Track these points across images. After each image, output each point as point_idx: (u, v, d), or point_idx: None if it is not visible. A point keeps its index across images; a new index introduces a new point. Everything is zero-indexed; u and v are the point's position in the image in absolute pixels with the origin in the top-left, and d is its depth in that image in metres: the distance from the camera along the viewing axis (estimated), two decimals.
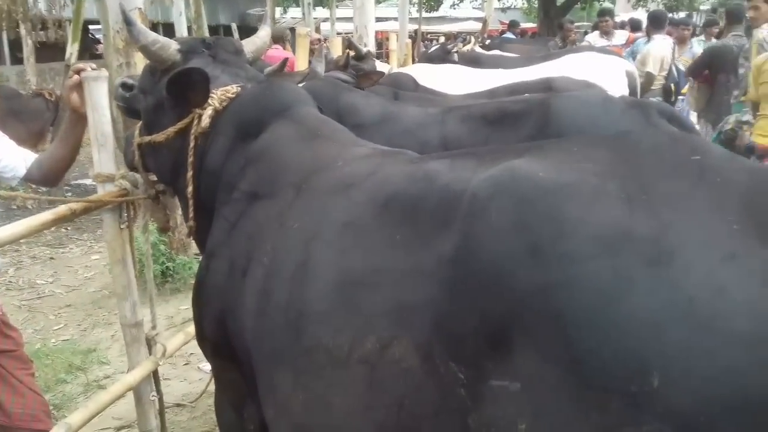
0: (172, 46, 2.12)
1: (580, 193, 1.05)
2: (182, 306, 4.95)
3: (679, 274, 0.93)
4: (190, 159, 2.02)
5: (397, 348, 1.21)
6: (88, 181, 8.43)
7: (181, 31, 12.12)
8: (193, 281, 5.61)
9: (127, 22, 2.13)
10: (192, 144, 2.01)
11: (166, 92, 1.99)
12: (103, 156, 2.28)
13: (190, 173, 2.03)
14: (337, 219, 1.44)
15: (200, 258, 6.34)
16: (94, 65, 2.30)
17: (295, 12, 22.97)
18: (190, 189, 2.05)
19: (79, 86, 2.24)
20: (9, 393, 2.31)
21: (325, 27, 18.29)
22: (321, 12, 23.12)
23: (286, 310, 1.45)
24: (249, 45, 2.36)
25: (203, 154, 2.01)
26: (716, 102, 6.43)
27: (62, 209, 2.11)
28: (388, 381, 1.23)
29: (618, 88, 4.32)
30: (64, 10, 10.80)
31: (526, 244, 1.04)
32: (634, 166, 1.09)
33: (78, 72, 2.23)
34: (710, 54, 6.55)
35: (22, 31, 11.34)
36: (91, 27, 17.59)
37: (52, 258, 6.20)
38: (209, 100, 2.00)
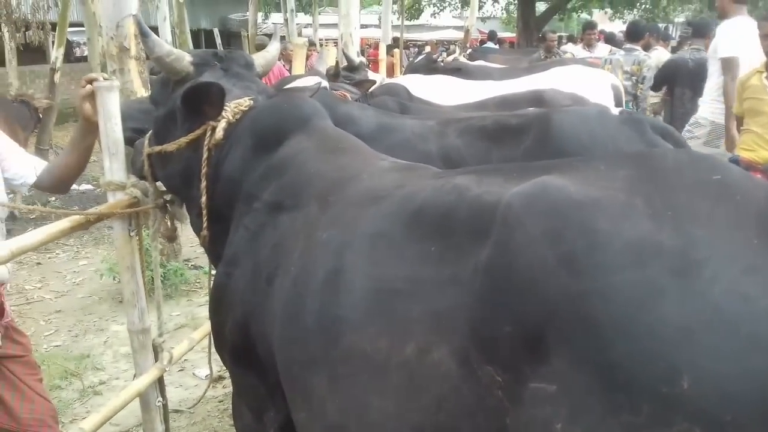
0: (186, 59, 2.16)
1: (610, 207, 1.12)
2: (174, 312, 4.96)
3: (705, 284, 1.00)
4: (204, 169, 2.06)
5: (435, 353, 1.27)
6: (83, 187, 8.39)
7: (165, 35, 12.11)
8: (184, 287, 5.61)
9: (143, 33, 2.17)
10: (206, 155, 2.06)
11: (182, 104, 2.03)
12: (114, 165, 2.31)
13: (204, 183, 2.07)
14: (367, 230, 1.50)
15: (193, 263, 6.31)
16: (105, 75, 2.33)
17: (276, 17, 22.96)
18: (203, 199, 2.08)
19: (90, 96, 2.27)
20: (18, 398, 2.33)
21: (307, 33, 18.31)
22: (303, 18, 23.14)
23: (319, 317, 1.50)
24: (259, 59, 2.41)
25: (217, 165, 2.06)
26: (674, 115, 6.68)
27: (78, 217, 2.13)
28: (426, 384, 1.28)
29: (604, 101, 4.44)
30: (48, 13, 10.71)
31: (561, 254, 1.11)
32: (659, 184, 1.16)
33: (90, 81, 2.26)
34: (666, 67, 6.84)
35: (5, 33, 11.21)
36: (69, 30, 17.40)
37: (39, 263, 6.16)
38: (223, 113, 2.05)
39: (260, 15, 20.50)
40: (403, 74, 7.71)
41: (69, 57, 16.55)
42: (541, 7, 19.11)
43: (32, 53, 12.87)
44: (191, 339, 2.91)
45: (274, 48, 2.49)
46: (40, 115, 7.60)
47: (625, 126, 2.69)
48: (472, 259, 1.26)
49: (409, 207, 1.46)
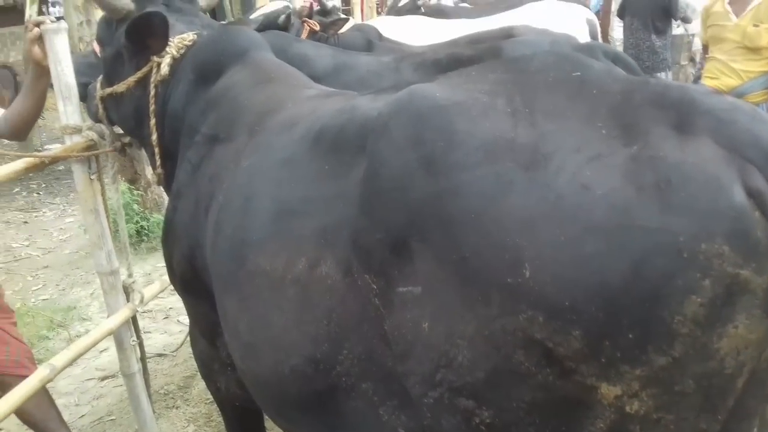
0: None
1: (470, 109, 1.15)
2: (159, 263, 5.02)
3: (551, 176, 1.02)
4: (152, 107, 2.08)
5: (323, 266, 1.33)
6: (58, 145, 8.38)
7: None
8: None
9: None
10: (153, 92, 2.07)
11: (126, 39, 2.03)
12: (68, 108, 2.32)
13: (153, 121, 2.09)
14: (278, 155, 1.54)
15: None
16: (53, 18, 2.32)
17: None
18: (154, 137, 2.11)
19: (39, 39, 2.26)
20: None
21: None
22: None
23: (231, 240, 1.56)
24: None
25: (165, 102, 2.07)
26: (625, 45, 6.64)
27: (33, 159, 2.16)
28: (317, 297, 1.34)
29: (579, 36, 4.40)
30: None
31: (421, 157, 1.14)
32: (522, 84, 1.19)
33: (37, 25, 2.26)
34: None
35: None
36: None
37: (26, 222, 6.21)
38: (167, 48, 2.06)
39: None
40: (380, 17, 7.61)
41: (41, 12, 16.25)
42: None
43: (10, 14, 12.64)
44: (162, 281, 2.96)
45: None
46: (17, 75, 7.51)
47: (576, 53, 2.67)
48: (354, 173, 1.30)
49: (312, 130, 1.50)
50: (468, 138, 1.11)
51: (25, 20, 7.47)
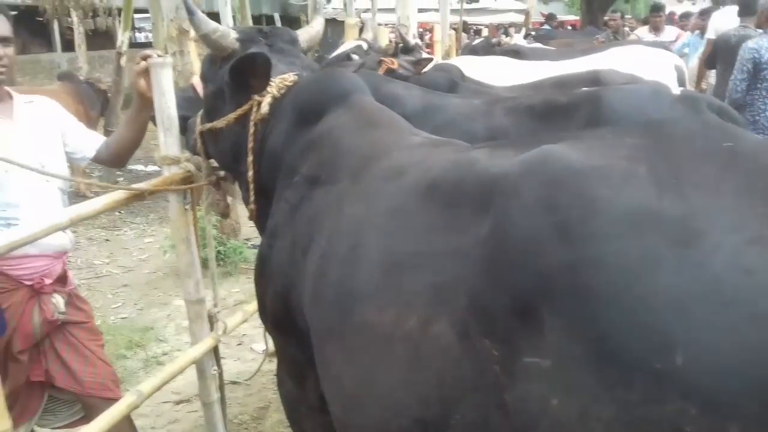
0: (231, 35, 2.22)
1: (610, 175, 1.09)
2: (233, 289, 5.11)
3: (705, 255, 0.95)
4: (250, 144, 2.12)
5: (436, 326, 1.27)
6: (140, 167, 8.71)
7: (227, 20, 12.31)
8: (243, 265, 5.78)
9: (189, 11, 2.23)
10: (252, 130, 2.11)
11: (229, 77, 2.08)
12: (168, 139, 2.39)
13: (250, 158, 2.13)
14: (386, 204, 1.52)
15: (252, 242, 6.49)
16: (159, 52, 2.41)
17: (337, 2, 23.05)
18: (250, 173, 2.15)
19: (145, 72, 2.34)
20: (81, 363, 2.45)
21: (366, 17, 18.30)
22: (362, 2, 23.15)
23: (336, 289, 1.53)
24: (303, 34, 2.44)
25: (263, 140, 2.11)
26: (717, 93, 6.33)
27: (134, 191, 2.23)
28: (429, 358, 1.28)
29: (668, 83, 4.27)
30: None
31: (556, 222, 1.08)
32: (666, 152, 1.12)
33: (145, 58, 2.34)
34: (714, 45, 6.48)
35: (74, 18, 11.67)
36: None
37: (107, 240, 6.44)
38: (268, 88, 2.09)
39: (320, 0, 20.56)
40: (459, 56, 7.63)
41: (132, 41, 17.15)
42: None
43: (101, 38, 13.35)
44: (245, 311, 3.00)
45: (317, 23, 2.51)
46: (108, 96, 7.89)
47: (680, 104, 2.56)
48: (474, 231, 1.25)
49: (424, 181, 1.46)
50: (608, 206, 1.05)
51: (117, 46, 7.84)
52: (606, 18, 10.78)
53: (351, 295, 1.48)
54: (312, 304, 1.66)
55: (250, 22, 13.64)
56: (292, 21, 24.72)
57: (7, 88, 2.34)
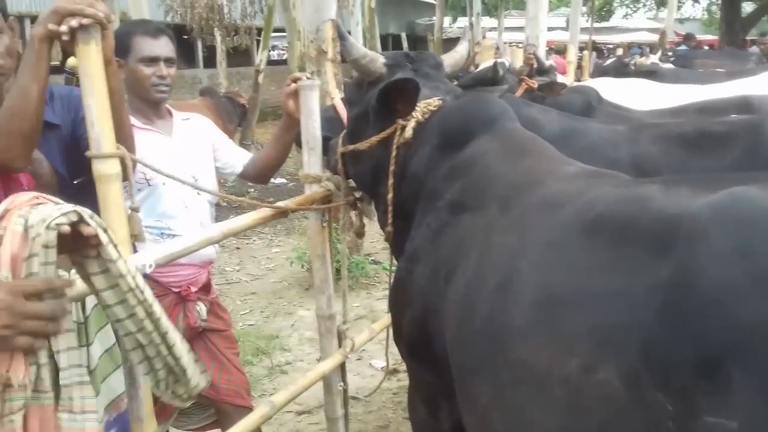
0: (380, 60, 2.26)
1: None
2: (354, 303, 5.19)
3: None
4: (392, 167, 2.14)
5: (601, 372, 1.20)
6: (278, 180, 9.10)
7: (357, 39, 12.74)
8: (364, 280, 5.86)
9: (341, 37, 2.30)
10: (394, 153, 2.13)
11: (376, 101, 2.12)
12: (312, 159, 2.47)
13: (391, 181, 2.15)
14: (543, 237, 1.46)
15: (372, 258, 6.58)
16: (308, 75, 2.49)
17: (463, 21, 23.20)
18: (390, 196, 2.16)
19: (294, 94, 2.44)
20: (218, 369, 2.56)
21: (491, 36, 18.30)
22: (488, 21, 23.14)
23: (488, 322, 1.48)
24: (448, 59, 2.45)
25: (405, 163, 2.12)
26: None
27: (279, 207, 2.32)
28: (590, 404, 1.21)
29: None
30: (254, 18, 11.74)
31: (752, 272, 1.01)
32: None
33: (295, 80, 2.43)
34: None
35: (217, 37, 12.46)
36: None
37: (238, 248, 6.76)
38: (412, 113, 2.11)
39: (447, 19, 20.82)
40: (591, 77, 7.40)
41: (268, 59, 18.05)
42: (747, 8, 17.39)
43: (239, 56, 14.15)
44: (371, 329, 3.03)
45: (462, 48, 2.52)
46: (246, 111, 8.31)
47: None
48: (649, 275, 1.17)
49: (587, 215, 1.39)
50: None
51: (255, 64, 8.28)
52: (749, 38, 10.11)
53: (503, 330, 1.43)
54: (456, 333, 1.63)
55: (378, 41, 14.04)
56: (418, 40, 25.16)
57: (166, 105, 2.51)
